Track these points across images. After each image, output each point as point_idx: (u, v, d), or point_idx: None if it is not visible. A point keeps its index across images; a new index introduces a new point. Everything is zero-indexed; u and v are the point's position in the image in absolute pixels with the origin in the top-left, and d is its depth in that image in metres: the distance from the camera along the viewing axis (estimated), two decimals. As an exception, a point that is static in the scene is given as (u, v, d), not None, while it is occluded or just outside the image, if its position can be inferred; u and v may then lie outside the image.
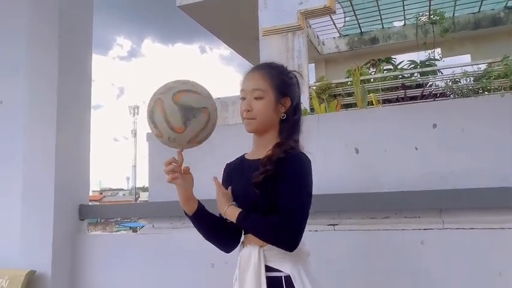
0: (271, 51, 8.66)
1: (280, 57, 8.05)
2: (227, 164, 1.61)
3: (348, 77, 11.15)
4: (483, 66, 10.07)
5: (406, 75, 10.87)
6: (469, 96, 8.48)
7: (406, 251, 2.04)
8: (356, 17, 12.89)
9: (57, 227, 2.68)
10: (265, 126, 1.47)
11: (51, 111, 2.77)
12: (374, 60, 12.65)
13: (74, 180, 2.86)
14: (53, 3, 2.90)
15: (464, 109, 2.23)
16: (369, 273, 2.09)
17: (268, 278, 1.37)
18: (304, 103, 7.41)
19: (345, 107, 9.47)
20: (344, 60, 13.37)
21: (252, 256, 1.40)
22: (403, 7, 12.44)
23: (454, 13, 12.47)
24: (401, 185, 2.13)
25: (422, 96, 9.44)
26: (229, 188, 1.49)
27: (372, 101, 7.84)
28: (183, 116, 1.29)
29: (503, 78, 9.42)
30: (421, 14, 12.08)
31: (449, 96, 9.64)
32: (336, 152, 2.28)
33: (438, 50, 12.05)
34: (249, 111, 1.45)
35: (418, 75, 10.81)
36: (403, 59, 12.26)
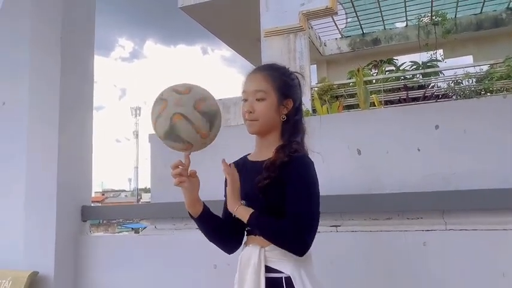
0: (273, 52, 8.66)
1: (282, 59, 8.05)
2: (231, 163, 1.61)
3: (350, 78, 11.15)
4: (485, 68, 10.05)
5: (408, 77, 10.86)
6: (471, 98, 8.46)
7: (408, 252, 2.03)
8: (358, 18, 12.89)
9: (60, 228, 2.69)
10: (267, 127, 1.47)
11: (54, 112, 2.78)
12: (376, 61, 12.65)
13: (76, 181, 2.87)
14: (55, 5, 2.91)
15: (466, 110, 2.23)
16: (371, 274, 2.08)
17: (268, 279, 1.37)
18: (306, 104, 7.40)
19: (347, 108, 9.46)
20: (346, 61, 13.37)
21: (252, 256, 1.40)
22: (405, 8, 12.43)
23: (456, 14, 12.46)
24: (403, 186, 2.13)
25: (425, 98, 9.44)
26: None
27: (373, 102, 7.83)
28: (208, 121, 1.30)
29: (505, 79, 9.40)
30: (423, 15, 12.08)
31: (451, 97, 9.63)
32: (338, 153, 2.28)
33: (440, 51, 12.04)
34: (251, 112, 1.45)
35: (420, 77, 10.80)
36: (405, 60, 12.25)
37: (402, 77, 10.82)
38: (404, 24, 13.53)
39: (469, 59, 12.78)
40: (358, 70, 7.40)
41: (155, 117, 1.30)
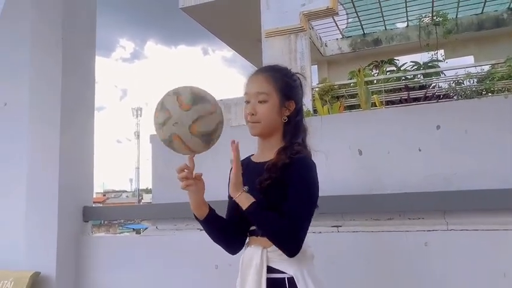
0: (273, 52, 8.66)
1: (282, 59, 8.05)
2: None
3: (351, 79, 11.14)
4: (486, 68, 10.04)
5: (409, 77, 10.85)
6: (473, 98, 8.45)
7: (409, 252, 2.03)
8: (359, 18, 12.89)
9: (62, 228, 2.69)
10: (269, 129, 1.47)
11: (55, 113, 2.78)
12: (377, 61, 12.64)
13: (78, 182, 2.87)
14: (56, 6, 2.92)
15: (467, 111, 2.23)
16: (373, 274, 2.09)
17: (271, 280, 1.38)
18: (307, 105, 7.40)
19: (348, 109, 9.46)
20: (347, 61, 13.37)
21: (254, 257, 1.41)
22: (406, 8, 12.42)
23: (457, 14, 12.45)
24: (404, 186, 2.13)
25: (426, 98, 9.43)
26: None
27: (375, 103, 7.83)
28: (205, 141, 1.32)
29: (506, 79, 9.39)
30: (424, 15, 12.06)
31: (452, 97, 9.62)
32: (339, 153, 2.28)
33: (441, 52, 12.02)
34: (253, 114, 1.45)
35: (421, 77, 10.79)
36: (406, 60, 12.24)
37: (403, 78, 10.81)
38: (405, 24, 13.51)
39: (470, 59, 12.76)
40: (359, 70, 7.41)
41: (158, 125, 1.32)
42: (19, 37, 3.03)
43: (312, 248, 1.47)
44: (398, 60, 12.62)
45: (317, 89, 10.82)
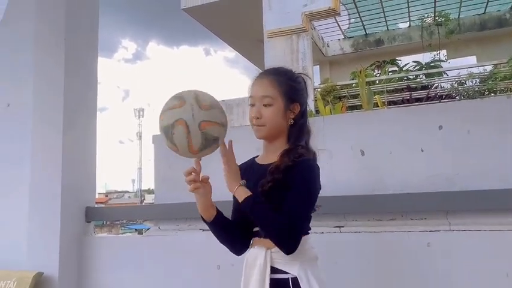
0: (275, 53, 8.66)
1: (284, 60, 8.06)
2: (238, 166, 1.62)
3: (353, 79, 11.14)
4: (489, 68, 10.02)
5: (411, 77, 10.85)
6: (475, 98, 8.44)
7: (412, 253, 2.03)
8: (361, 18, 12.88)
9: (64, 229, 2.70)
10: (274, 132, 1.48)
11: (58, 114, 2.79)
12: (379, 62, 12.64)
13: (81, 183, 2.88)
14: (58, 7, 2.92)
15: (470, 111, 2.22)
16: (375, 275, 2.08)
17: (274, 280, 1.38)
18: (310, 105, 7.39)
19: (350, 109, 9.46)
20: (349, 62, 13.37)
21: (258, 257, 1.41)
22: (408, 9, 12.42)
23: (459, 14, 12.43)
24: (407, 186, 2.13)
25: (428, 98, 9.43)
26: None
27: (377, 103, 7.83)
28: (203, 143, 1.33)
29: (509, 79, 9.38)
30: (426, 15, 12.06)
31: (455, 97, 9.61)
32: (342, 154, 2.28)
33: (443, 52, 12.01)
34: (258, 118, 1.46)
35: (424, 77, 10.78)
36: (408, 60, 12.23)
37: (405, 78, 10.81)
38: (407, 24, 13.51)
39: (472, 60, 12.75)
40: (361, 71, 7.41)
41: (167, 109, 1.34)
42: (22, 38, 3.04)
43: (316, 249, 1.47)
44: (400, 60, 12.62)
45: (319, 89, 10.83)
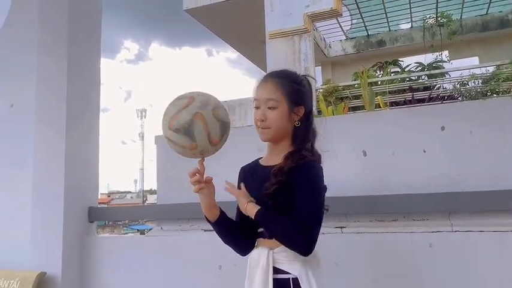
0: (277, 54, 8.66)
1: (286, 61, 8.06)
2: (242, 167, 1.64)
3: (355, 80, 11.14)
4: (491, 69, 10.01)
5: (413, 78, 10.84)
6: (477, 99, 8.42)
7: (414, 253, 2.03)
8: (363, 19, 12.88)
9: (67, 229, 2.71)
10: (279, 134, 1.49)
11: (61, 115, 2.80)
12: (381, 62, 12.63)
13: (83, 183, 2.89)
14: (61, 10, 2.93)
15: (472, 112, 2.22)
16: (377, 276, 2.08)
17: (276, 280, 1.40)
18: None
19: (352, 110, 9.46)
20: (351, 62, 13.36)
21: (261, 258, 1.42)
22: (410, 9, 12.41)
23: (461, 15, 12.42)
24: (409, 187, 2.13)
25: (430, 99, 9.43)
26: (242, 184, 1.51)
27: (379, 104, 7.83)
28: (221, 131, 1.37)
29: (511, 80, 9.36)
30: (428, 16, 12.04)
31: (457, 98, 9.60)
32: (344, 154, 2.27)
33: (446, 53, 12.00)
34: (263, 121, 1.47)
35: (426, 78, 10.77)
36: (410, 61, 12.22)
37: (407, 79, 10.80)
38: (409, 25, 13.50)
39: (474, 60, 12.73)
40: (363, 72, 7.41)
41: (177, 111, 1.35)
42: (25, 39, 3.05)
43: (318, 250, 1.47)
44: (402, 61, 12.62)
45: (321, 90, 10.83)
